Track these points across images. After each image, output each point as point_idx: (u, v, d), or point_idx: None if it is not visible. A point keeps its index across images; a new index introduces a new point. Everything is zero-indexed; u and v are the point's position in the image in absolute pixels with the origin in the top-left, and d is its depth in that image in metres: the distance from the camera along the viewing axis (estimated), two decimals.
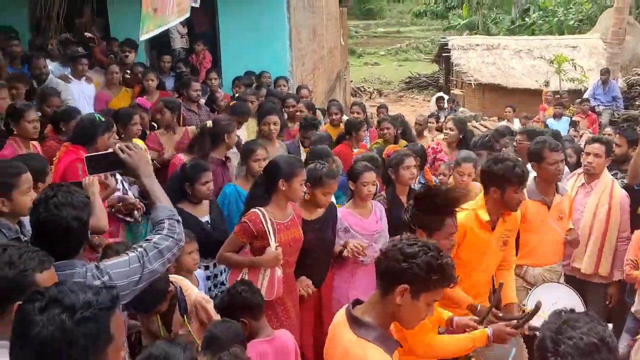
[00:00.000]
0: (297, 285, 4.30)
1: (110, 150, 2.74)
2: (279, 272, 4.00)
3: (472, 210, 4.02)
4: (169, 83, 8.61)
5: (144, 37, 4.93)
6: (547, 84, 17.81)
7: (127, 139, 5.43)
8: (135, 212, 4.79)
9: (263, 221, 3.94)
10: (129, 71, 8.21)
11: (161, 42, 9.67)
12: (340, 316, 2.51)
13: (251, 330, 3.39)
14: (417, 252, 2.31)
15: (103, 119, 4.79)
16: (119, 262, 2.44)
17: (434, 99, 16.67)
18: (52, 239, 2.42)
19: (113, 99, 7.51)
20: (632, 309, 4.87)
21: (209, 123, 5.62)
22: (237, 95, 7.94)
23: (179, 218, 2.61)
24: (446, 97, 16.54)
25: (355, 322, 2.37)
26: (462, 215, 3.80)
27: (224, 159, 5.44)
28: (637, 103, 16.30)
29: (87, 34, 9.15)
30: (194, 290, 3.63)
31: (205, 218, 4.52)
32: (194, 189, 4.40)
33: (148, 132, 6.45)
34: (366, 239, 4.52)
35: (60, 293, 1.65)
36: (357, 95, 22.67)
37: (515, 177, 3.90)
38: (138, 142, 5.71)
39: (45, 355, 1.60)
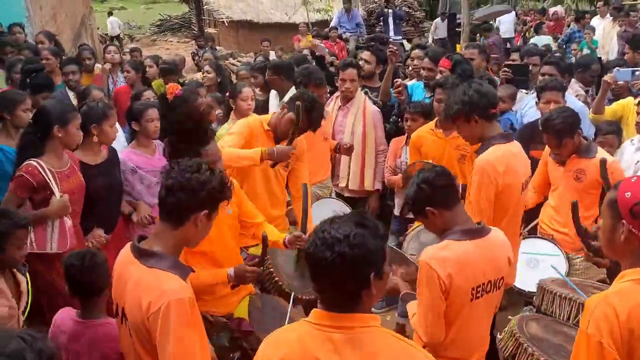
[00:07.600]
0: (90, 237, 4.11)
1: None
2: (68, 222, 3.82)
3: None
4: None
5: None
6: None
7: None
8: None
9: (42, 171, 3.66)
10: None
11: None
12: (124, 255, 2.41)
13: None
14: (209, 177, 2.37)
15: None
16: None
17: None
18: None
19: None
20: (395, 212, 5.38)
21: None
22: None
23: None
24: None
25: (144, 255, 2.30)
26: None
27: None
28: (377, 29, 17.56)
29: None
30: None
31: None
32: None
33: None
34: (154, 177, 4.37)
35: None
36: (107, 41, 21.26)
37: None
38: None
39: None
